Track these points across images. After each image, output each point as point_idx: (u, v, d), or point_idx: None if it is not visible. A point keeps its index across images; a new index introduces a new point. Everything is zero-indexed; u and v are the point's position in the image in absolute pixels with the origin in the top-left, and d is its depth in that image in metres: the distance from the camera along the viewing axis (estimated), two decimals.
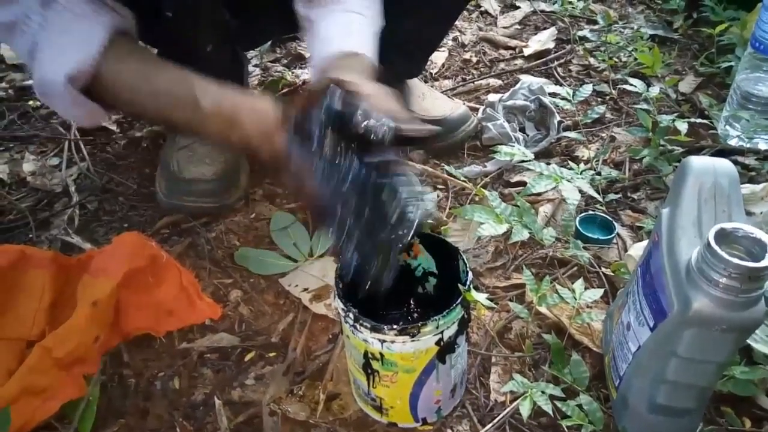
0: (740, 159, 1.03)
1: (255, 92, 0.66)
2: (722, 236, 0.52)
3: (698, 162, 0.60)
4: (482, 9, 1.62)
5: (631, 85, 1.08)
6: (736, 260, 0.49)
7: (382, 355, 0.62)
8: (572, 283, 0.76)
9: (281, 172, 0.63)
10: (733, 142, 1.08)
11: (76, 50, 0.65)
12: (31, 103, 1.28)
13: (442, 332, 0.61)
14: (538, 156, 1.07)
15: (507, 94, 1.18)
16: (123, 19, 0.71)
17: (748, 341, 0.65)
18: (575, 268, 0.88)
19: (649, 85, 1.11)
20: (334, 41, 0.77)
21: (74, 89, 0.67)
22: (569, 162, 1.07)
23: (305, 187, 0.61)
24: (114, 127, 1.21)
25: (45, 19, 0.65)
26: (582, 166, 0.91)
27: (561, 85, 1.27)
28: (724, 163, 0.60)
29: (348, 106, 0.60)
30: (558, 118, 1.13)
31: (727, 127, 1.09)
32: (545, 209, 0.98)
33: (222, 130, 0.66)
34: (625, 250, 0.90)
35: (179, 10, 0.78)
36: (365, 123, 0.59)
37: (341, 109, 0.60)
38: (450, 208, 1.00)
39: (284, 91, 1.29)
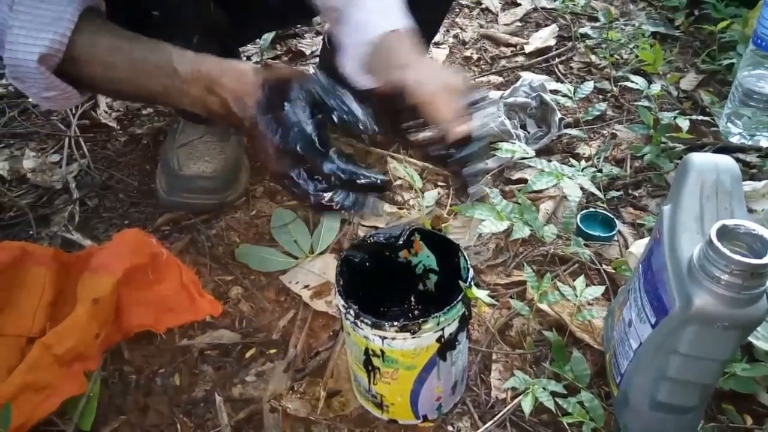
0: (742, 156, 1.02)
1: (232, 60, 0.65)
2: (724, 233, 0.51)
3: (700, 159, 0.60)
4: (483, 6, 1.62)
5: (633, 82, 1.07)
6: (738, 257, 0.49)
7: (382, 351, 0.62)
8: (573, 281, 0.76)
9: (251, 138, 0.63)
10: (734, 140, 1.08)
11: (47, 29, 0.64)
12: (31, 100, 1.28)
13: (443, 329, 0.61)
14: (539, 153, 1.06)
15: (508, 92, 1.18)
16: None
17: (750, 338, 0.65)
18: (576, 266, 0.88)
19: (650, 82, 1.10)
20: (370, 24, 0.76)
21: (47, 70, 0.66)
22: (570, 159, 1.07)
23: (267, 153, 0.60)
24: (114, 124, 1.21)
25: (13, 1, 0.64)
26: (583, 163, 0.91)
27: (562, 82, 1.27)
28: (726, 160, 0.60)
29: (327, 94, 0.61)
30: (559, 115, 1.13)
31: (729, 124, 1.09)
32: (546, 206, 0.98)
33: (201, 93, 0.65)
34: (626, 248, 0.89)
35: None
36: (340, 117, 0.60)
37: (319, 97, 0.60)
38: (451, 205, 1.00)
39: None
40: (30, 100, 1.28)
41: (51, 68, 0.67)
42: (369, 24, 0.76)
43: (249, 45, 1.40)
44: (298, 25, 1.48)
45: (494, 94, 1.19)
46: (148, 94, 0.68)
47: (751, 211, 0.86)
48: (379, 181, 0.61)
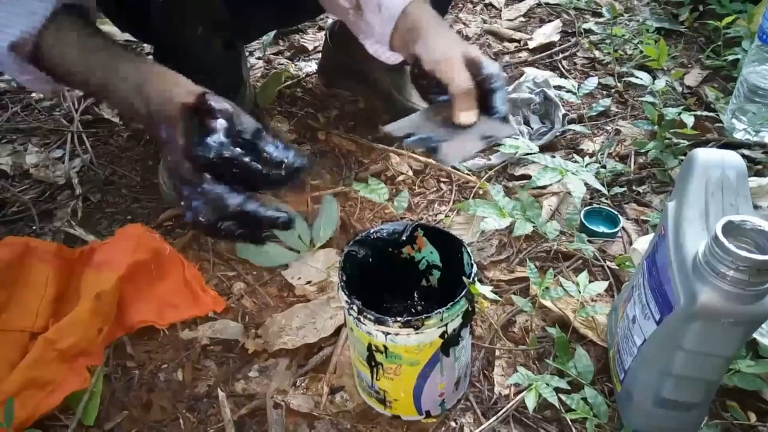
0: (746, 152, 1.02)
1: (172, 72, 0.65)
2: (730, 229, 0.51)
3: (705, 154, 0.59)
4: (486, 1, 1.61)
5: (637, 78, 1.07)
6: (743, 253, 0.49)
7: (386, 347, 0.62)
8: (576, 277, 0.75)
9: (164, 151, 0.63)
10: (739, 136, 1.07)
11: (21, 21, 0.67)
12: (33, 95, 1.28)
13: (446, 325, 0.61)
14: (543, 149, 1.06)
15: (511, 87, 1.17)
16: None
17: (754, 335, 0.65)
18: (580, 262, 0.87)
19: (654, 78, 1.10)
20: (391, 2, 0.78)
21: (18, 57, 0.69)
22: (574, 155, 1.06)
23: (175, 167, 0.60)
24: (117, 120, 1.21)
25: None
26: (587, 159, 0.91)
27: (566, 77, 1.26)
28: (732, 156, 0.59)
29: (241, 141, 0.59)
30: (563, 111, 1.12)
31: (734, 120, 1.08)
32: (550, 202, 0.97)
33: (129, 94, 0.66)
34: (630, 244, 0.89)
35: None
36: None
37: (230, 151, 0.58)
38: (454, 202, 0.99)
39: (287, 84, 1.28)
40: (33, 95, 1.28)
41: (23, 56, 0.70)
42: (390, 2, 0.78)
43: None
44: (303, 23, 1.47)
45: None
46: (91, 87, 0.70)
47: (756, 207, 0.86)
48: (280, 221, 0.60)
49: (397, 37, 0.79)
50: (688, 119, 0.99)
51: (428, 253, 0.73)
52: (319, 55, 1.31)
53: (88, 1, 0.74)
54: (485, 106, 0.70)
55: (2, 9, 0.68)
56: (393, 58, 0.84)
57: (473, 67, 0.70)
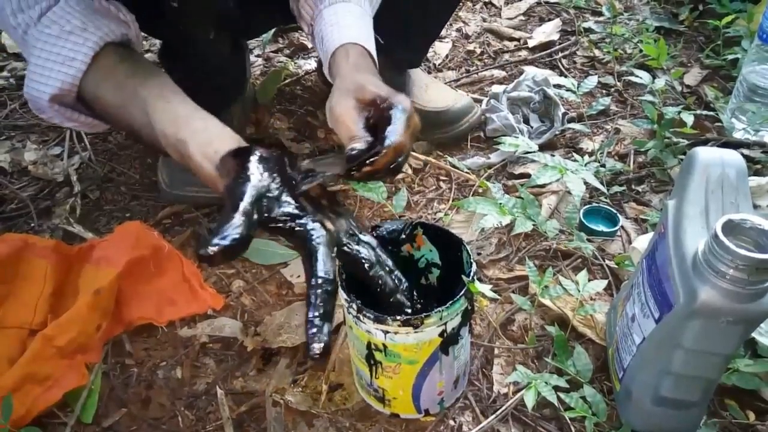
0: (746, 152, 1.02)
1: (214, 126, 0.63)
2: (730, 227, 0.51)
3: (705, 153, 0.59)
4: (486, 0, 1.61)
5: (637, 76, 1.07)
6: (743, 252, 0.49)
7: (385, 346, 0.62)
8: (576, 276, 0.75)
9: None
10: (738, 135, 1.07)
11: (58, 71, 0.66)
12: None
13: (445, 324, 0.61)
14: (543, 148, 1.06)
15: (511, 86, 1.17)
16: (118, 26, 0.69)
17: (753, 334, 0.65)
18: (579, 261, 0.87)
19: (654, 77, 1.10)
20: (327, 38, 0.75)
21: (61, 107, 0.68)
22: (573, 154, 1.06)
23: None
24: None
25: (38, 31, 0.66)
26: (586, 158, 0.91)
27: (565, 76, 1.26)
28: (732, 154, 0.59)
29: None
30: (562, 109, 1.12)
31: (733, 119, 1.08)
32: (549, 201, 0.97)
33: (177, 156, 0.63)
34: (629, 243, 0.89)
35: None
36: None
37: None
38: (453, 200, 0.99)
39: (286, 81, 1.28)
40: None
41: (67, 104, 0.68)
42: (326, 38, 0.75)
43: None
44: None
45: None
46: (144, 143, 0.68)
47: (755, 206, 0.86)
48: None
49: (331, 74, 0.75)
50: (688, 118, 0.99)
51: (427, 252, 0.73)
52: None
53: (130, 33, 0.71)
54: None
55: (40, 55, 0.66)
56: None
57: (370, 106, 0.62)
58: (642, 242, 0.84)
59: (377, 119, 0.61)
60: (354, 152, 0.58)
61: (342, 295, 0.62)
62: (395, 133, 0.57)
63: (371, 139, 0.59)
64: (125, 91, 0.66)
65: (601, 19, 1.48)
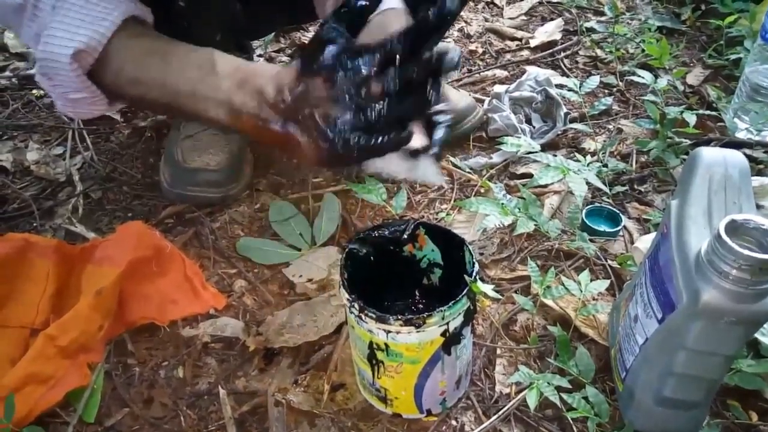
0: (748, 152, 1.02)
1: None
2: (733, 227, 0.51)
3: (708, 153, 0.59)
4: (488, 0, 1.61)
5: (639, 76, 1.07)
6: (746, 252, 0.49)
7: (387, 345, 0.62)
8: (578, 276, 0.75)
9: (293, 120, 0.59)
10: (741, 135, 1.07)
11: (87, 27, 0.64)
12: (35, 92, 1.28)
13: (447, 323, 0.61)
14: (545, 148, 1.06)
15: (513, 86, 1.17)
16: (141, 10, 0.70)
17: (756, 335, 0.65)
18: (581, 261, 0.87)
19: (656, 76, 1.10)
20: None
21: (79, 68, 0.66)
22: (576, 154, 1.06)
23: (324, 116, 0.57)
24: (118, 117, 1.21)
25: (59, 1, 0.64)
26: (589, 158, 0.91)
27: (568, 76, 1.26)
28: (735, 154, 0.59)
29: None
30: (564, 109, 1.12)
31: (736, 119, 1.08)
32: (551, 201, 0.97)
33: (233, 87, 0.62)
34: (632, 243, 0.89)
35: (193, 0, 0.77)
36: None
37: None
38: (455, 200, 0.99)
39: None
40: (34, 92, 1.28)
41: (84, 68, 0.66)
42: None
43: None
44: (309, 22, 1.47)
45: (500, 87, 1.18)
46: (174, 96, 0.65)
47: (758, 207, 0.86)
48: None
49: (364, 37, 0.71)
50: (690, 118, 0.99)
51: (430, 252, 0.73)
52: None
53: (147, 18, 0.71)
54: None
55: (66, 15, 0.64)
56: None
57: None
58: (644, 242, 0.84)
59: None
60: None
61: (344, 295, 0.62)
62: (440, 146, 0.62)
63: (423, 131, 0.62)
64: (156, 45, 0.65)
65: (603, 18, 1.47)
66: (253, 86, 0.61)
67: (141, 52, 0.67)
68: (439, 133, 0.62)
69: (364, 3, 0.62)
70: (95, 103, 0.72)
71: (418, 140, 0.60)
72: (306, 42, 1.43)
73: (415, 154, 0.61)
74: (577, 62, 1.35)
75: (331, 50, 0.57)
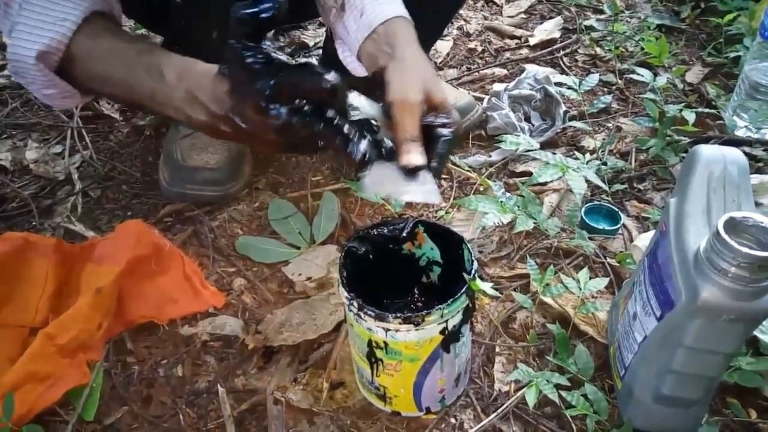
0: (748, 150, 1.02)
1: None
2: (732, 225, 0.51)
3: (707, 150, 0.59)
4: None
5: (638, 74, 1.07)
6: (745, 249, 0.49)
7: (386, 343, 0.62)
8: (577, 274, 0.75)
9: (240, 121, 0.59)
10: (740, 133, 1.07)
11: (49, 29, 0.65)
12: (35, 96, 1.28)
13: (446, 321, 0.61)
14: (544, 146, 1.06)
15: (512, 84, 1.17)
16: (106, 2, 0.70)
17: (755, 332, 0.65)
18: (580, 259, 0.87)
19: (655, 74, 1.10)
20: (375, 10, 0.74)
21: (45, 68, 0.67)
22: (575, 152, 1.06)
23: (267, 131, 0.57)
24: (117, 115, 1.21)
25: (24, 0, 0.65)
26: (588, 156, 0.91)
27: (567, 74, 1.26)
28: (734, 152, 0.59)
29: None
30: (564, 107, 1.12)
31: (735, 117, 1.08)
32: (550, 199, 0.97)
33: (182, 100, 0.62)
34: (631, 241, 0.89)
35: None
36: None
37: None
38: (454, 198, 0.99)
39: None
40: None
41: (51, 66, 0.67)
42: (374, 10, 0.74)
43: None
44: (309, 21, 1.47)
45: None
46: (139, 100, 0.66)
47: (757, 204, 0.86)
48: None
49: (369, 46, 0.73)
50: (690, 116, 0.99)
51: (429, 250, 0.73)
52: (320, 51, 1.31)
53: (113, 9, 0.72)
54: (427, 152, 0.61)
55: (30, 16, 0.65)
56: (359, 69, 0.79)
57: (432, 110, 0.63)
58: (643, 240, 0.84)
59: (426, 127, 0.61)
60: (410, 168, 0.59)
61: (343, 293, 0.62)
62: (440, 161, 0.61)
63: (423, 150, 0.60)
64: (117, 46, 0.66)
65: (602, 16, 1.47)
66: (196, 99, 0.61)
67: (104, 52, 0.67)
68: (440, 147, 0.61)
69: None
70: (67, 98, 0.72)
71: (415, 157, 0.58)
72: (301, 41, 1.43)
73: (412, 172, 0.58)
74: (576, 60, 1.35)
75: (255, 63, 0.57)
